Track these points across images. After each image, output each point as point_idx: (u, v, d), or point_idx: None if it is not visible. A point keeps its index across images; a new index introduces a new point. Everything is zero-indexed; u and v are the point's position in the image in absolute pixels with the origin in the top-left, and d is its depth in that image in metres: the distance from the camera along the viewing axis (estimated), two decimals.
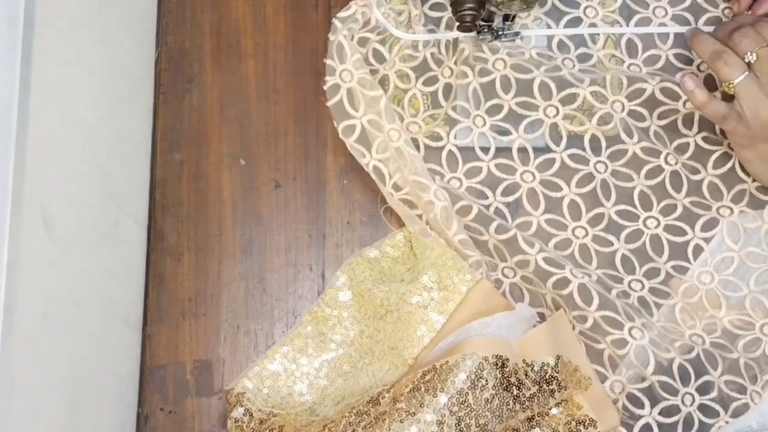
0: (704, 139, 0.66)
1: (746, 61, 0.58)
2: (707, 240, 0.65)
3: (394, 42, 0.67)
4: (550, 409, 0.61)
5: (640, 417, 0.61)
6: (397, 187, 0.65)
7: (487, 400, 0.57)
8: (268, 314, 0.66)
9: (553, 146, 0.66)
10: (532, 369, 0.61)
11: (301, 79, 0.70)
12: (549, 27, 0.68)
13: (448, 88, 0.67)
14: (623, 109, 0.66)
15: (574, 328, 0.63)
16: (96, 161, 0.59)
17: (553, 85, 0.65)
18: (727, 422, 0.61)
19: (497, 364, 0.58)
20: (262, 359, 0.64)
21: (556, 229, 0.66)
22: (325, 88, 0.65)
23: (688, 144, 0.66)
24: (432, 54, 0.67)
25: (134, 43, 0.68)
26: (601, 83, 0.66)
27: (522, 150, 0.67)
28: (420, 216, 0.65)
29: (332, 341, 0.64)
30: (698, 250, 0.65)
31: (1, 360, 0.44)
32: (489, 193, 0.67)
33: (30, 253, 0.48)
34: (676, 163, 0.66)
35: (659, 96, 0.65)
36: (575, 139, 0.67)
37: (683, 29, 0.67)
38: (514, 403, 0.59)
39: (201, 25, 0.71)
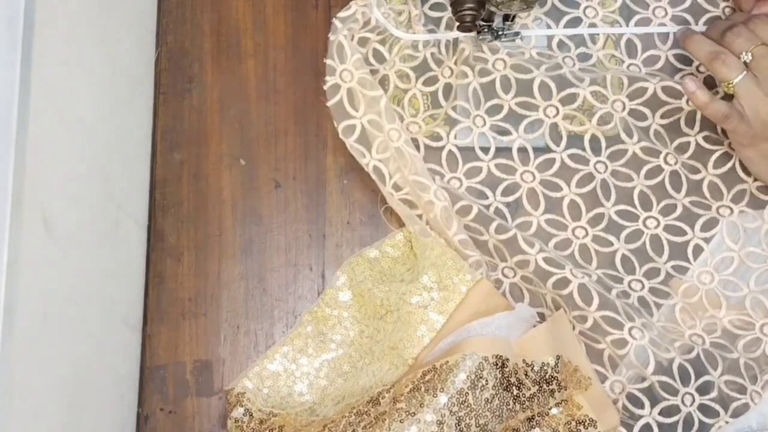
0: (705, 138, 0.66)
1: (742, 60, 0.58)
2: (707, 240, 0.65)
3: (394, 42, 0.67)
4: (550, 409, 0.61)
5: (640, 417, 0.61)
6: (397, 187, 0.65)
7: (487, 400, 0.57)
8: (268, 314, 0.66)
9: (553, 146, 0.66)
10: (532, 369, 0.61)
11: (301, 79, 0.70)
12: (549, 27, 0.68)
13: (448, 88, 0.67)
14: (624, 109, 0.66)
15: (574, 328, 0.63)
16: (96, 161, 0.59)
17: (553, 85, 0.65)
18: (727, 422, 0.61)
19: (497, 364, 0.58)
20: (262, 359, 0.64)
21: (556, 229, 0.66)
22: (325, 88, 0.65)
23: (688, 143, 0.66)
24: (432, 54, 0.67)
25: (134, 43, 0.68)
26: (601, 83, 0.66)
27: (522, 150, 0.67)
28: (420, 216, 0.65)
29: (332, 341, 0.64)
30: (698, 250, 0.65)
31: (1, 360, 0.44)
32: (489, 193, 0.67)
33: (30, 253, 0.48)
34: (675, 163, 0.66)
35: (661, 95, 0.64)
36: (575, 139, 0.67)
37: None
38: (514, 403, 0.59)
39: (201, 25, 0.71)
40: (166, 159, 0.69)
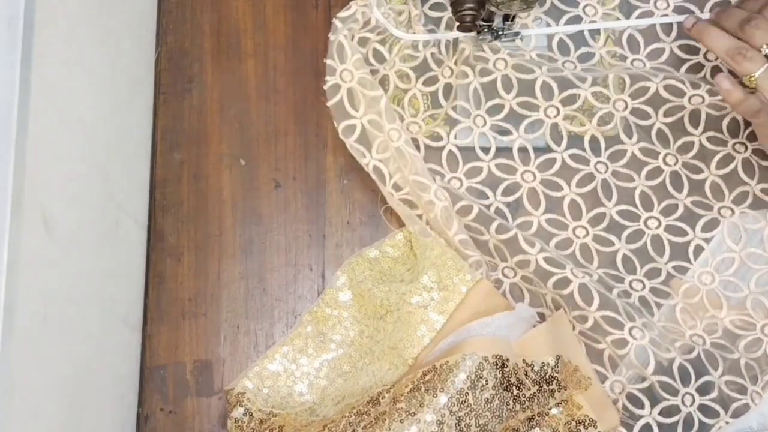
0: (709, 138, 0.66)
1: (763, 53, 0.57)
2: (708, 240, 0.65)
3: (394, 42, 0.67)
4: (550, 409, 0.61)
5: (640, 417, 0.61)
6: (397, 187, 0.65)
7: (487, 400, 0.57)
8: (268, 314, 0.66)
9: (553, 146, 0.66)
10: (532, 369, 0.61)
11: (301, 79, 0.70)
12: (549, 26, 0.68)
13: (448, 88, 0.67)
14: (626, 108, 0.66)
15: (574, 328, 0.63)
16: (96, 161, 0.59)
17: (554, 85, 0.65)
18: (727, 422, 0.61)
19: (497, 364, 0.58)
20: (262, 359, 0.64)
21: (556, 228, 0.66)
22: (325, 88, 0.65)
23: (692, 143, 0.66)
24: (432, 54, 0.67)
25: (134, 43, 0.68)
26: (602, 83, 0.66)
27: (522, 150, 0.67)
28: (420, 216, 0.65)
29: (332, 341, 0.64)
30: (699, 251, 0.65)
31: (1, 360, 0.44)
32: (489, 193, 0.66)
33: (30, 253, 0.48)
34: (675, 164, 0.66)
35: (663, 93, 0.64)
36: (576, 140, 0.67)
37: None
38: (514, 403, 0.59)
39: (201, 25, 0.71)
40: (166, 159, 0.69)
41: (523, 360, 0.61)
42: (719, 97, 0.63)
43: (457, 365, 0.57)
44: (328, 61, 0.64)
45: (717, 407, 0.61)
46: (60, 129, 0.53)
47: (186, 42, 0.71)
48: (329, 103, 0.65)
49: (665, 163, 0.66)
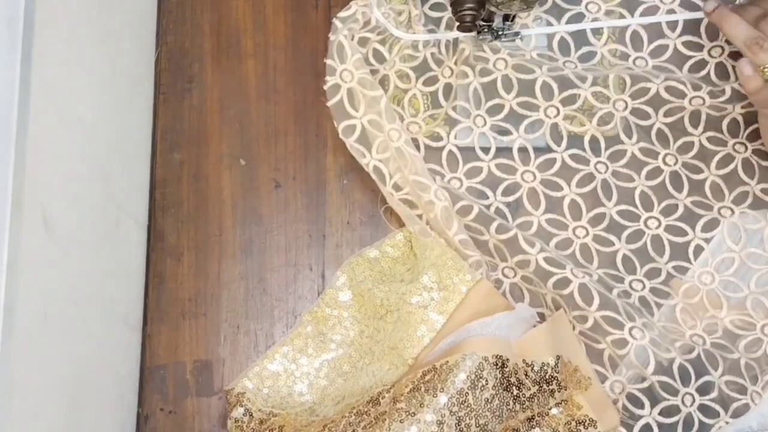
0: (709, 139, 0.66)
1: None
2: (708, 240, 0.65)
3: (394, 42, 0.67)
4: (550, 409, 0.61)
5: (640, 417, 0.61)
6: (397, 187, 0.65)
7: (487, 400, 0.57)
8: (268, 314, 0.66)
9: (553, 146, 0.66)
10: (532, 369, 0.61)
11: (301, 79, 0.70)
12: (550, 25, 0.68)
13: (448, 88, 0.67)
14: (626, 108, 0.66)
15: (574, 328, 0.63)
16: (96, 161, 0.59)
17: (555, 86, 0.65)
18: (727, 423, 0.61)
19: (497, 364, 0.58)
20: (262, 359, 0.64)
21: (556, 228, 0.66)
22: (325, 88, 0.65)
23: (692, 143, 0.66)
24: (432, 54, 0.67)
25: (134, 43, 0.68)
26: (602, 83, 0.66)
27: (522, 150, 0.67)
28: (420, 216, 0.65)
29: (332, 341, 0.64)
30: (699, 251, 0.65)
31: (1, 360, 0.44)
32: (489, 193, 0.66)
33: (30, 253, 0.48)
34: (675, 164, 0.66)
35: (664, 94, 0.64)
36: (576, 140, 0.67)
37: (693, 15, 0.66)
38: (514, 403, 0.59)
39: (201, 25, 0.71)
40: (166, 159, 0.69)
41: (523, 360, 0.61)
42: (720, 99, 0.64)
43: (457, 365, 0.57)
44: (328, 61, 0.64)
45: (717, 407, 0.61)
46: (60, 129, 0.53)
47: (186, 42, 0.71)
48: (329, 103, 0.65)
49: (665, 163, 0.66)
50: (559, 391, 0.60)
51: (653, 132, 0.66)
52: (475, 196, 0.66)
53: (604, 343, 0.62)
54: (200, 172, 0.69)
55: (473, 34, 0.66)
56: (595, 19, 0.67)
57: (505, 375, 0.59)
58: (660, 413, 0.61)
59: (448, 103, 0.67)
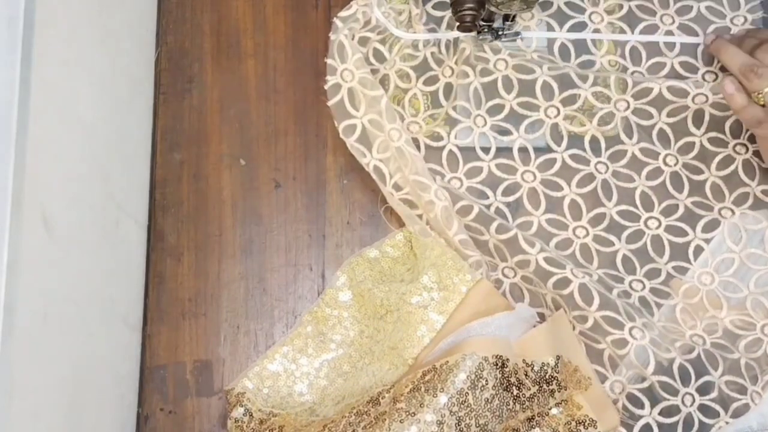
0: (710, 140, 0.66)
1: None
2: (708, 241, 0.65)
3: (394, 41, 0.67)
4: (550, 409, 0.61)
5: (640, 417, 0.61)
6: (397, 187, 0.65)
7: (487, 400, 0.57)
8: (268, 314, 0.66)
9: (554, 146, 0.66)
10: (532, 369, 0.61)
11: (301, 79, 0.70)
12: (552, 29, 0.68)
13: (448, 88, 0.67)
14: (628, 108, 0.66)
15: (574, 328, 0.63)
16: (96, 161, 0.59)
17: (555, 86, 0.65)
18: (727, 423, 0.61)
19: (497, 364, 0.58)
20: (262, 359, 0.64)
21: (556, 228, 0.66)
22: (326, 87, 0.65)
23: (693, 143, 0.66)
24: (432, 53, 0.67)
25: (134, 43, 0.68)
26: (603, 83, 0.66)
27: (523, 150, 0.67)
28: (420, 216, 0.65)
29: (332, 341, 0.64)
30: (699, 251, 0.65)
31: (1, 360, 0.44)
32: (489, 192, 0.66)
33: (30, 253, 0.48)
34: (675, 164, 0.66)
35: (667, 94, 0.64)
36: (576, 140, 0.67)
37: (691, 39, 0.67)
38: (514, 403, 0.59)
39: (201, 25, 0.71)
40: (166, 159, 0.69)
41: (523, 360, 0.61)
42: (722, 95, 0.64)
43: (457, 365, 0.57)
44: (329, 61, 0.64)
45: (717, 407, 0.61)
46: (60, 129, 0.53)
47: (186, 42, 0.71)
48: (330, 103, 0.65)
49: (665, 164, 0.66)
50: (559, 391, 0.60)
51: (654, 132, 0.66)
52: (476, 196, 0.66)
53: (604, 343, 0.62)
54: (200, 172, 0.69)
55: (473, 34, 0.66)
56: (596, 30, 0.68)
57: (505, 375, 0.59)
58: (660, 413, 0.61)
59: (449, 103, 0.67)
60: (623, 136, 0.66)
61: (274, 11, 0.71)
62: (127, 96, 0.66)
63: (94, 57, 0.59)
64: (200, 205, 0.68)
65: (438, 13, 0.68)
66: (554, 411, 0.61)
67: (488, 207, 0.66)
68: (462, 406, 0.56)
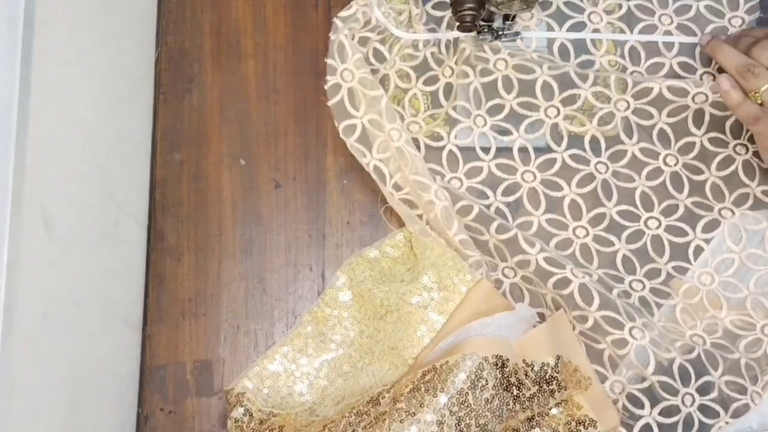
0: (710, 140, 0.66)
1: None
2: (708, 241, 0.65)
3: (394, 41, 0.67)
4: (550, 409, 0.61)
5: (640, 417, 0.61)
6: (397, 187, 0.65)
7: (487, 400, 0.57)
8: (268, 314, 0.66)
9: (554, 146, 0.66)
10: (532, 369, 0.61)
11: (301, 79, 0.70)
12: (552, 29, 0.68)
13: (448, 88, 0.67)
14: (628, 108, 0.66)
15: (574, 328, 0.63)
16: (96, 161, 0.59)
17: (555, 86, 0.65)
18: (727, 423, 0.61)
19: (497, 364, 0.58)
20: (262, 359, 0.64)
21: (556, 228, 0.66)
22: (326, 87, 0.65)
23: (693, 143, 0.66)
24: (432, 53, 0.67)
25: (134, 43, 0.68)
26: (603, 83, 0.66)
27: (523, 150, 0.67)
28: (420, 216, 0.65)
29: (332, 341, 0.64)
30: (699, 251, 0.65)
31: (1, 360, 0.44)
32: (489, 192, 0.66)
33: (30, 253, 0.48)
34: (675, 164, 0.66)
35: (667, 94, 0.64)
36: (576, 140, 0.67)
37: (689, 39, 0.67)
38: (514, 403, 0.59)
39: (201, 25, 0.71)
40: (166, 159, 0.69)
41: (523, 360, 0.61)
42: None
43: (457, 365, 0.57)
44: (329, 61, 0.64)
45: (717, 407, 0.61)
46: (60, 129, 0.53)
47: (186, 42, 0.71)
48: (330, 103, 0.65)
49: (665, 164, 0.66)
50: (559, 391, 0.60)
51: (655, 132, 0.66)
52: (476, 196, 0.66)
53: (604, 343, 0.62)
54: (200, 172, 0.69)
55: (473, 34, 0.66)
56: (595, 30, 0.68)
57: (505, 375, 0.59)
58: (660, 413, 0.61)
59: (449, 103, 0.67)
60: (623, 136, 0.66)
61: (274, 11, 0.71)
62: (127, 96, 0.66)
63: (94, 57, 0.59)
64: (200, 205, 0.68)
65: (438, 13, 0.68)
66: (554, 411, 0.61)
67: (488, 207, 0.66)
68: (462, 406, 0.56)
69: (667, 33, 0.68)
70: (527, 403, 0.60)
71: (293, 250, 0.67)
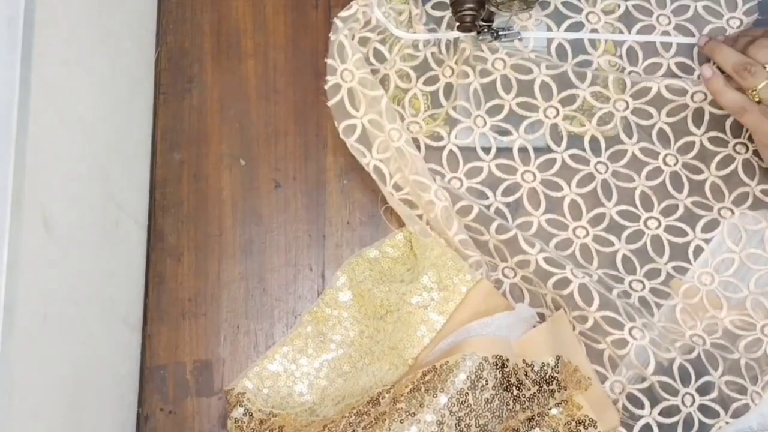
0: (710, 139, 0.66)
1: (767, 69, 0.59)
2: (708, 241, 0.65)
3: (394, 41, 0.67)
4: (550, 409, 0.61)
5: (640, 417, 0.61)
6: (397, 187, 0.65)
7: (487, 400, 0.57)
8: (268, 314, 0.66)
9: (553, 146, 0.66)
10: (532, 369, 0.61)
11: (301, 79, 0.70)
12: (550, 29, 0.68)
13: (448, 88, 0.67)
14: (627, 107, 0.66)
15: (574, 328, 0.63)
16: (96, 161, 0.59)
17: (553, 86, 0.65)
18: (727, 423, 0.61)
19: (497, 365, 0.58)
20: (262, 359, 0.64)
21: (556, 229, 0.66)
22: (326, 87, 0.65)
23: (693, 143, 0.66)
24: (432, 53, 0.67)
25: (134, 43, 0.68)
26: (602, 83, 0.66)
27: (523, 150, 0.67)
28: (420, 216, 0.65)
29: (332, 341, 0.64)
30: (699, 251, 0.65)
31: (1, 360, 0.44)
32: (489, 193, 0.67)
33: (30, 253, 0.48)
34: (675, 164, 0.66)
35: (666, 93, 0.64)
36: (575, 140, 0.67)
37: (687, 39, 0.67)
38: (514, 404, 0.59)
39: (201, 25, 0.71)
40: (166, 159, 0.69)
41: (523, 360, 0.61)
42: None
43: (457, 365, 0.57)
44: (329, 61, 0.64)
45: (717, 407, 0.61)
46: (60, 129, 0.53)
47: (186, 42, 0.71)
48: (330, 103, 0.65)
49: (665, 164, 0.66)
50: (559, 391, 0.60)
51: (654, 132, 0.66)
52: (476, 196, 0.66)
53: (604, 343, 0.62)
54: (200, 172, 0.69)
55: (473, 34, 0.66)
56: (593, 30, 0.68)
57: (505, 375, 0.59)
58: (660, 413, 0.61)
59: (449, 103, 0.67)
60: (623, 136, 0.66)
61: (274, 11, 0.71)
62: (127, 96, 0.66)
63: (94, 57, 0.59)
64: (200, 205, 0.68)
65: (438, 13, 0.67)
66: (554, 411, 0.61)
67: (488, 207, 0.66)
68: (462, 406, 0.56)
69: (665, 33, 0.68)
70: (527, 403, 0.60)
71: (293, 250, 0.67)
